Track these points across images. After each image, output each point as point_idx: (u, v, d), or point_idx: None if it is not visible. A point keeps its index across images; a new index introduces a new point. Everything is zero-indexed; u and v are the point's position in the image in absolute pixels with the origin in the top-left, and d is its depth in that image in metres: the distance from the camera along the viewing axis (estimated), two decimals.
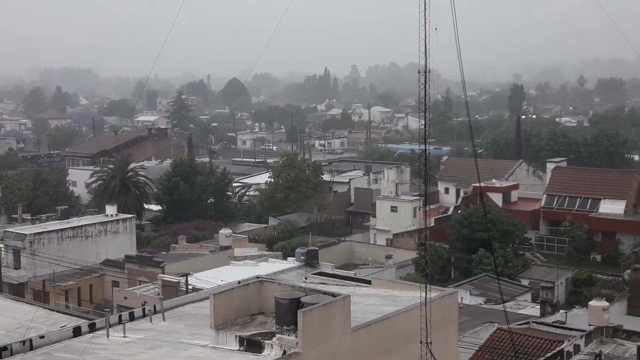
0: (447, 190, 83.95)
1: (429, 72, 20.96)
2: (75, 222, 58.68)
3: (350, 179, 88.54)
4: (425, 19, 20.23)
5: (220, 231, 58.88)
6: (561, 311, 40.32)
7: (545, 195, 72.49)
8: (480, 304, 45.41)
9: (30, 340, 23.71)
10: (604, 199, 68.49)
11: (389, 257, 61.73)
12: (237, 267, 49.01)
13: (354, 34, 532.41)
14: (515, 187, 77.51)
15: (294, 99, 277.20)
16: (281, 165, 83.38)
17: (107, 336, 24.07)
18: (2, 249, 53.96)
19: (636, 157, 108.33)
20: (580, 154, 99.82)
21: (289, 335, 21.61)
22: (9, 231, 56.72)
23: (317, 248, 51.74)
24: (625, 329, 33.20)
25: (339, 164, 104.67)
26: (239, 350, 22.03)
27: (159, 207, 78.04)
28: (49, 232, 55.47)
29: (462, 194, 78.06)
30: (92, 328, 24.99)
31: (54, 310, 39.00)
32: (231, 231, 59.81)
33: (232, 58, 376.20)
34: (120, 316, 26.16)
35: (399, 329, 23.74)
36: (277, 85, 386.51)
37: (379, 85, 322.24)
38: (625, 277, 54.91)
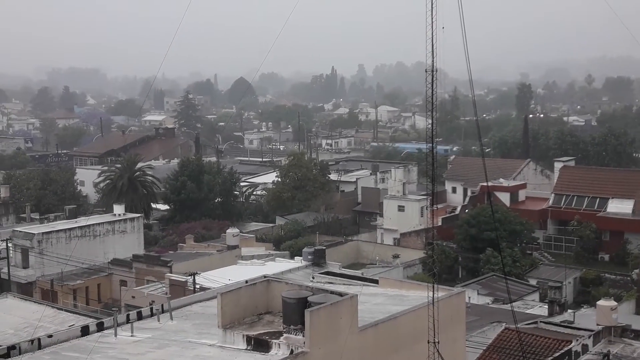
0: (454, 190, 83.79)
1: (436, 71, 20.94)
2: (83, 221, 58.82)
3: (357, 179, 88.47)
4: (432, 18, 20.20)
5: (227, 230, 58.93)
6: (569, 311, 40.27)
7: (553, 195, 72.29)
8: (488, 303, 45.33)
9: (39, 339, 23.80)
10: (612, 198, 68.27)
11: (396, 256, 61.65)
12: (244, 266, 49.07)
13: (361, 34, 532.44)
14: (523, 186, 77.33)
15: (301, 99, 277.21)
16: (288, 165, 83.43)
17: (115, 335, 24.14)
18: (11, 249, 54.12)
19: None
20: (588, 153, 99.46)
21: (296, 334, 21.63)
22: (17, 230, 56.89)
23: (324, 247, 51.77)
24: (633, 328, 33.07)
25: (346, 163, 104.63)
26: (246, 349, 22.06)
27: (166, 207, 78.16)
28: (57, 231, 55.60)
29: (469, 193, 77.90)
30: (100, 327, 25.07)
31: (62, 310, 39.14)
32: (238, 230, 59.84)
33: (239, 57, 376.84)
34: (128, 315, 26.23)
35: (406, 329, 23.72)
36: (284, 84, 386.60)
37: (386, 85, 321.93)
38: (634, 277, 54.74)
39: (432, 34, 20.27)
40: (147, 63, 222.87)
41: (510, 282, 49.36)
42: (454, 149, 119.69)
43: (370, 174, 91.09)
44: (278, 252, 57.40)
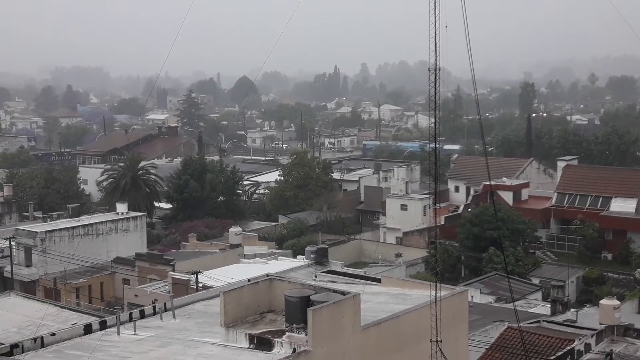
0: (457, 189, 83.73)
1: (439, 70, 20.93)
2: (86, 220, 58.94)
3: (360, 177, 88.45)
4: (435, 17, 20.19)
5: (230, 229, 58.98)
6: (572, 310, 40.30)
7: (555, 194, 72.21)
8: (491, 302, 45.31)
9: (42, 337, 23.82)
10: (615, 197, 68.16)
11: (398, 255, 61.61)
12: (247, 265, 49.11)
13: (364, 32, 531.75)
14: (526, 185, 77.27)
15: (304, 97, 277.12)
16: (291, 164, 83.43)
17: (118, 334, 24.17)
18: (14, 247, 54.23)
19: None
20: (591, 152, 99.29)
21: (298, 333, 21.63)
22: (20, 229, 57.01)
23: (326, 246, 51.79)
24: (636, 328, 33.05)
25: (349, 162, 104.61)
26: (248, 348, 22.07)
27: (169, 205, 78.24)
28: (60, 230, 55.72)
29: (472, 192, 77.85)
30: (103, 326, 25.10)
31: (65, 308, 39.29)
32: (241, 229, 59.89)
33: (241, 56, 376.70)
34: (130, 314, 26.24)
35: (409, 328, 23.72)
36: (286, 83, 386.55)
37: (389, 84, 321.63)
38: (637, 276, 54.77)
39: (435, 32, 20.27)
40: (150, 62, 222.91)
41: (512, 281, 49.24)
42: (445, 147, 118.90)
43: (373, 172, 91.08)
44: (281, 250, 57.47)
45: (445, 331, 22.48)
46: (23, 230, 56.20)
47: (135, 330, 24.31)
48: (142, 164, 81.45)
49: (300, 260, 49.16)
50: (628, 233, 65.18)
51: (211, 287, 35.76)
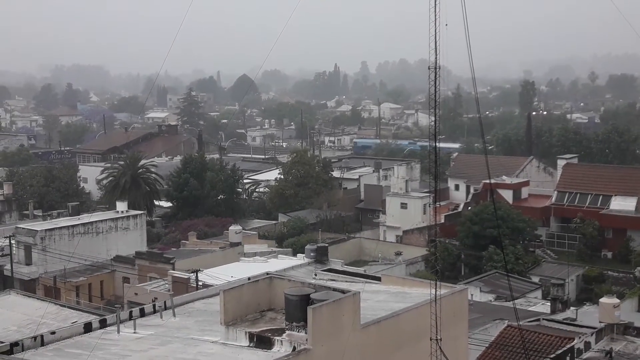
0: (457, 187, 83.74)
1: (439, 68, 20.91)
2: (86, 218, 58.92)
3: (360, 176, 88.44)
4: (435, 15, 20.18)
5: (230, 228, 58.97)
6: (572, 308, 40.30)
7: (555, 192, 72.22)
8: (491, 301, 45.31)
9: (42, 336, 23.82)
10: (615, 195, 68.16)
11: (398, 253, 61.65)
12: (247, 263, 49.10)
13: (364, 31, 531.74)
14: (526, 183, 77.25)
15: (304, 96, 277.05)
16: (291, 162, 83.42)
17: (118, 332, 24.18)
18: (14, 245, 54.23)
19: None
20: (591, 151, 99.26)
21: (298, 331, 21.64)
22: (20, 227, 56.97)
23: (326, 245, 51.73)
24: (636, 326, 33.10)
25: (349, 160, 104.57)
26: (248, 346, 22.07)
27: (169, 204, 78.24)
28: (60, 228, 55.70)
29: (472, 190, 77.85)
30: (103, 324, 25.10)
31: (64, 307, 39.29)
32: (241, 228, 59.89)
33: (241, 55, 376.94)
34: (130, 312, 26.25)
35: (409, 326, 23.72)
36: (286, 81, 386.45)
37: (389, 82, 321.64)
38: (637, 274, 54.78)
39: (436, 31, 20.25)
40: (150, 60, 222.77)
41: (512, 279, 49.26)
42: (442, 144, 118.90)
43: (373, 171, 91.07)
44: (280, 249, 57.48)
45: (445, 329, 22.48)
46: (23, 228, 56.18)
47: (135, 329, 24.32)
48: (142, 162, 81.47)
49: (300, 259, 49.12)
50: (628, 231, 65.19)
51: (211, 286, 35.74)
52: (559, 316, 37.17)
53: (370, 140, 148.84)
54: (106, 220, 58.47)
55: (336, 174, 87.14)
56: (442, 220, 67.33)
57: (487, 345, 32.31)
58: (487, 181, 70.70)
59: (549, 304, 41.78)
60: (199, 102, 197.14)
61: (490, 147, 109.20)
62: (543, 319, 35.38)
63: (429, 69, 20.95)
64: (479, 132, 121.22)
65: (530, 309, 42.13)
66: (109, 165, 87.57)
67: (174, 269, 49.83)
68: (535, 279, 53.57)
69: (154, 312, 26.31)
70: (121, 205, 60.76)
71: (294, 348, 21.13)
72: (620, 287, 52.86)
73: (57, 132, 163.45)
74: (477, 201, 69.65)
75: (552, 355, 29.73)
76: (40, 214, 71.09)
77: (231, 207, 76.36)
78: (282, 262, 48.22)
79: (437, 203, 24.81)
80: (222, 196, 76.58)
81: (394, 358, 23.35)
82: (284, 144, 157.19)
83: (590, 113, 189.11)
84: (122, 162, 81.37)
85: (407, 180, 78.51)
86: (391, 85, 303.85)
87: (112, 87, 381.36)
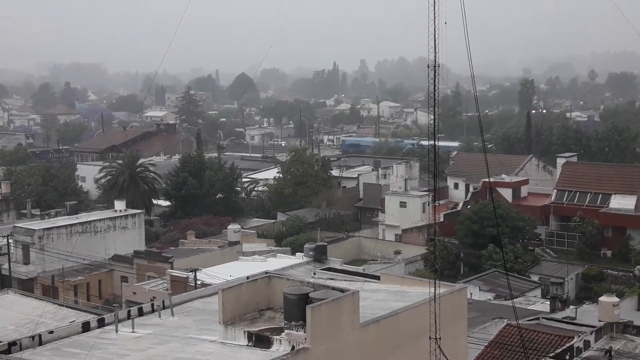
0: (456, 186, 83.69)
1: (438, 66, 20.85)
2: (84, 217, 58.79)
3: (359, 174, 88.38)
4: (434, 13, 20.09)
5: (228, 226, 58.91)
6: (571, 307, 40.22)
7: (555, 191, 72.19)
8: (490, 299, 45.27)
9: (40, 335, 23.77)
10: (615, 194, 68.14)
11: (397, 252, 61.59)
12: (245, 262, 49.00)
13: (363, 29, 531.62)
14: (525, 182, 77.20)
15: (303, 94, 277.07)
16: (290, 161, 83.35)
17: (116, 331, 24.12)
18: (12, 244, 54.13)
19: None
20: (591, 149, 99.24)
21: (297, 330, 21.59)
22: (18, 226, 56.87)
23: (325, 243, 51.63)
24: (635, 324, 33.02)
25: (348, 159, 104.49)
26: (247, 345, 22.01)
27: (167, 203, 78.14)
28: (58, 227, 55.57)
29: (471, 189, 77.82)
30: (101, 323, 25.05)
31: (63, 306, 39.20)
32: (240, 226, 59.84)
33: (240, 53, 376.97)
34: (129, 311, 26.20)
35: (408, 325, 23.66)
36: (285, 80, 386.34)
37: (388, 80, 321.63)
38: (636, 273, 54.67)
39: (435, 29, 20.18)
40: (148, 59, 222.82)
41: (512, 278, 49.24)
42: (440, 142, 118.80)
43: (372, 170, 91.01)
44: (279, 248, 57.35)
45: (444, 328, 22.42)
46: (21, 227, 56.06)
47: (133, 328, 24.26)
48: (141, 161, 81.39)
49: (299, 258, 49.01)
50: (627, 230, 65.16)
51: (210, 285, 35.68)
52: (559, 315, 37.11)
53: (359, 139, 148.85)
54: (104, 219, 58.34)
55: (335, 172, 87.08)
56: (442, 219, 67.30)
57: (486, 344, 32.26)
58: (487, 180, 70.64)
59: (548, 302, 41.72)
60: (197, 101, 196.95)
61: (489, 146, 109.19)
62: (542, 317, 35.32)
63: (428, 67, 20.89)
64: (479, 130, 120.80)
65: (529, 307, 42.08)
66: (107, 164, 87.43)
67: (172, 268, 49.76)
68: (535, 278, 53.52)
69: (153, 311, 26.26)
70: (119, 204, 60.66)
71: (293, 347, 21.06)
72: (620, 285, 52.80)
73: (55, 131, 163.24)
74: (477, 200, 69.62)
75: (551, 354, 29.66)
76: (38, 213, 70.93)
77: (230, 206, 76.28)
78: (280, 261, 48.14)
79: (437, 202, 24.73)
80: (220, 195, 76.50)
81: (393, 357, 23.30)
82: (283, 143, 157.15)
83: (590, 111, 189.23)
84: (120, 161, 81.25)
85: (406, 179, 78.47)
86: (390, 83, 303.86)
87: (111, 86, 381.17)
